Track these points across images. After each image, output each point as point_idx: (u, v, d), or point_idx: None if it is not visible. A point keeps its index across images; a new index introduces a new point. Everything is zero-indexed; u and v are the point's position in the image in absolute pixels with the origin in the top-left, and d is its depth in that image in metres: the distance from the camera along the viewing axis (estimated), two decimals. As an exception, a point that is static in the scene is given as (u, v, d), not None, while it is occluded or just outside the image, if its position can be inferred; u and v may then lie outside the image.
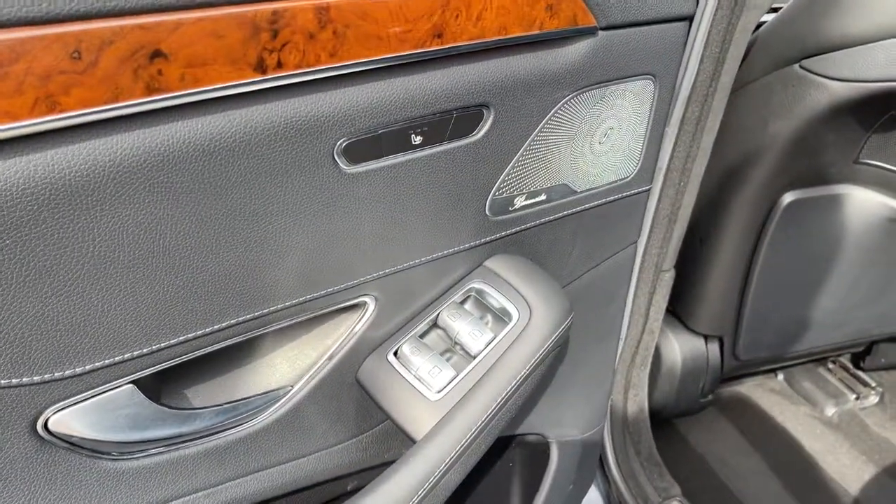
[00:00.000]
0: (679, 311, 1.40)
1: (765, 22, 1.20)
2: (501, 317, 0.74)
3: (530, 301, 0.73)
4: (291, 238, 0.59)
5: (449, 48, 0.59)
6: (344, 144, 0.57)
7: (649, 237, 1.06)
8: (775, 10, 2.10)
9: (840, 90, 1.03)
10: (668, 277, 1.18)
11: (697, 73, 0.94)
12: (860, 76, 1.00)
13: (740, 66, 1.05)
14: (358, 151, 0.59)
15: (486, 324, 0.74)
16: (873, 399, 1.74)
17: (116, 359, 0.54)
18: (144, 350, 0.55)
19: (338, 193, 0.59)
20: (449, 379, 0.69)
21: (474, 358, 0.71)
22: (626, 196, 0.87)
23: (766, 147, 1.16)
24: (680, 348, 1.40)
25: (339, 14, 0.52)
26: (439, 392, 0.68)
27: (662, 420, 1.53)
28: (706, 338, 1.41)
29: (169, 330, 0.56)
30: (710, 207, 1.26)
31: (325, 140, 0.56)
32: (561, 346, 0.77)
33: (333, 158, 0.57)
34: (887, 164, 1.19)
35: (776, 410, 1.73)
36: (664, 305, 1.21)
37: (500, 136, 0.68)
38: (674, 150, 0.97)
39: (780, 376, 1.82)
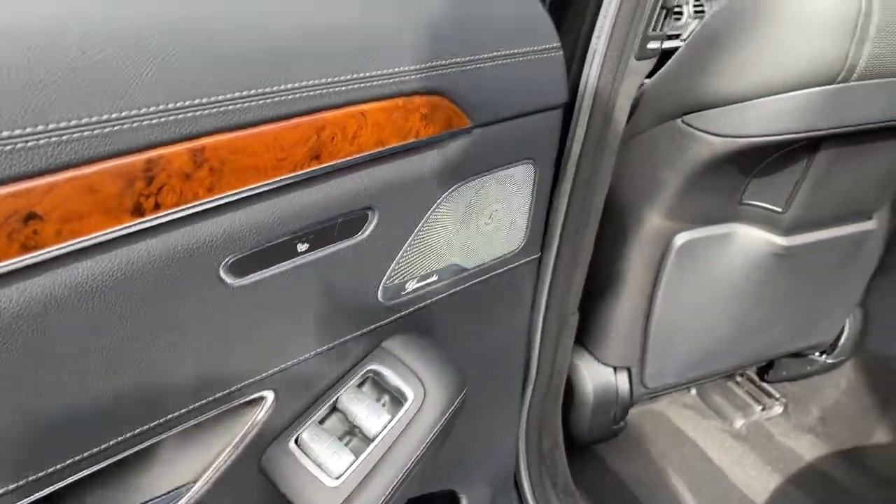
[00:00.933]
0: (588, 344, 1.47)
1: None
2: (398, 397, 0.78)
3: (424, 380, 0.77)
4: (181, 354, 0.62)
5: (327, 166, 0.63)
6: (229, 262, 0.61)
7: (551, 288, 1.12)
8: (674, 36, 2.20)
9: (719, 144, 1.11)
10: (573, 320, 1.24)
11: (585, 139, 1.00)
12: (735, 132, 1.09)
13: (629, 119, 1.12)
14: (243, 266, 0.62)
15: (384, 405, 0.78)
16: (777, 409, 1.85)
17: (1, 491, 0.56)
18: (31, 477, 0.57)
19: (225, 307, 0.63)
20: (348, 464, 0.73)
21: (372, 441, 0.75)
22: (517, 266, 0.92)
23: (657, 194, 1.23)
24: (591, 380, 1.47)
25: (215, 152, 0.55)
26: (338, 478, 0.72)
27: (579, 447, 1.60)
28: (615, 369, 1.48)
29: (58, 455, 0.58)
30: (609, 251, 1.33)
31: (209, 262, 0.59)
32: (458, 416, 0.82)
33: (219, 276, 0.61)
34: (767, 204, 1.29)
35: (689, 426, 1.82)
36: (571, 346, 1.28)
37: (385, 233, 0.72)
38: (566, 215, 1.03)
39: (693, 391, 1.92)
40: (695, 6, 2.27)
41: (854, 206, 1.35)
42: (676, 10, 2.23)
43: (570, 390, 1.49)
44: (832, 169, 1.22)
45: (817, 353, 1.76)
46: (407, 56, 0.65)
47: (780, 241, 1.32)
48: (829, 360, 1.76)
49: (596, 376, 1.47)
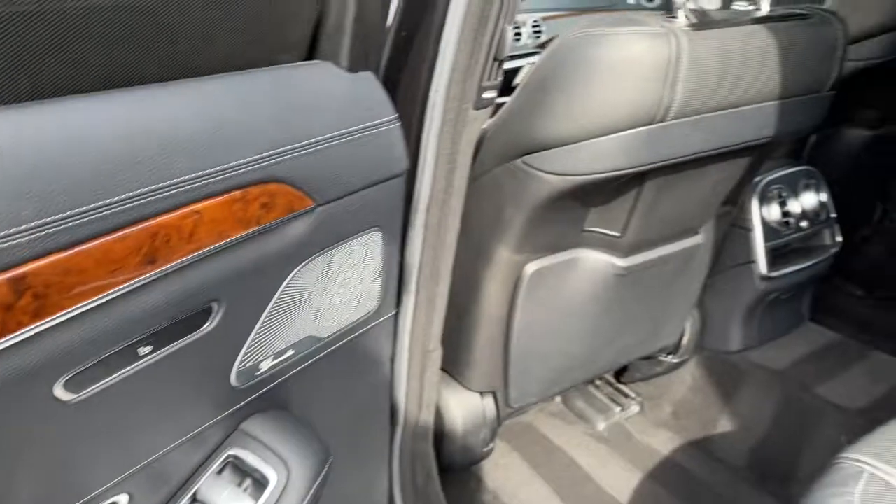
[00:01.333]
0: (453, 373, 1.51)
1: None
2: (260, 480, 0.78)
3: (286, 459, 0.77)
4: (20, 477, 0.59)
5: (164, 269, 0.61)
6: (64, 380, 0.58)
7: (412, 336, 1.14)
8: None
9: (557, 182, 1.18)
10: (436, 356, 1.27)
11: (431, 194, 1.03)
12: (571, 171, 1.15)
13: (474, 160, 1.16)
14: (80, 381, 0.60)
15: (246, 490, 0.77)
16: (635, 409, 1.97)
17: None
18: None
19: (64, 424, 0.60)
20: (212, 557, 0.72)
21: (236, 529, 0.74)
22: (374, 326, 0.94)
23: (504, 230, 1.29)
24: (459, 408, 1.51)
25: (38, 278, 0.52)
26: (203, 574, 0.71)
27: (454, 472, 1.64)
28: (481, 394, 1.53)
29: None
30: (466, 285, 1.37)
31: (41, 384, 0.57)
32: (325, 486, 0.82)
33: (53, 396, 0.58)
34: (606, 230, 1.38)
35: (556, 433, 1.91)
36: (436, 379, 1.31)
37: (233, 321, 0.71)
38: (420, 269, 1.05)
39: (558, 399, 2.01)
40: (533, 26, 2.38)
41: (682, 224, 1.48)
42: (516, 30, 2.33)
43: (440, 419, 1.52)
44: (660, 195, 1.32)
45: (664, 355, 1.89)
46: (240, 149, 0.65)
47: (621, 262, 1.42)
48: (675, 360, 1.90)
49: (463, 403, 1.52)
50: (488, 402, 1.54)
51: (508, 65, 2.33)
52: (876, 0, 1.62)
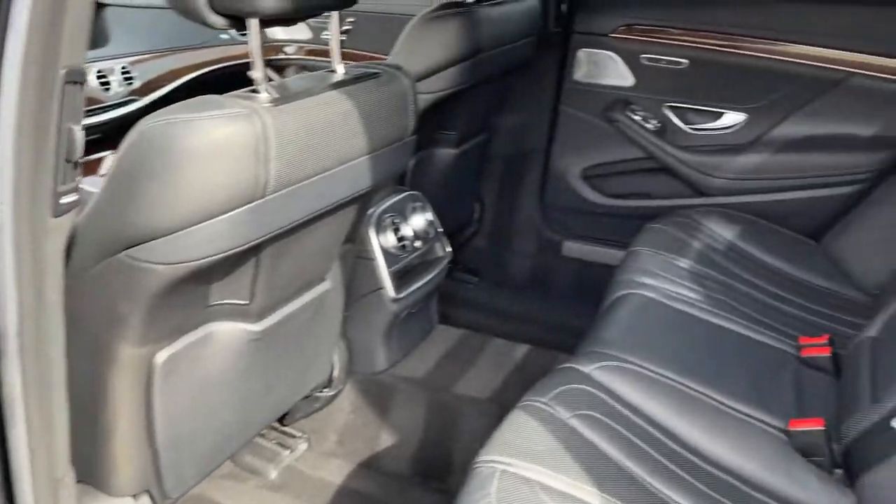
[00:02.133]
0: (98, 485, 1.38)
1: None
2: None
3: None
4: None
5: None
6: None
7: (33, 471, 1.01)
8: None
9: (168, 271, 1.13)
10: (68, 479, 1.14)
11: (21, 318, 0.92)
12: (179, 259, 1.12)
13: (67, 260, 1.06)
14: None
15: None
16: (303, 447, 1.98)
17: None
18: None
19: None
20: None
21: None
22: None
23: (121, 326, 1.20)
24: (110, 517, 1.38)
25: None
26: None
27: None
28: (134, 496, 1.42)
29: None
30: (94, 389, 1.26)
31: None
32: None
33: None
34: (233, 300, 1.36)
35: (229, 496, 1.84)
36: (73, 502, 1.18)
37: None
38: (26, 404, 0.93)
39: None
40: (122, 73, 2.23)
41: (308, 276, 1.53)
42: (104, 80, 2.17)
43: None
44: (279, 259, 1.35)
45: (320, 390, 1.95)
46: None
47: (254, 326, 1.42)
48: (331, 393, 1.97)
49: (114, 511, 1.39)
50: (144, 502, 1.43)
51: (103, 117, 2.18)
52: (428, 46, 1.86)
